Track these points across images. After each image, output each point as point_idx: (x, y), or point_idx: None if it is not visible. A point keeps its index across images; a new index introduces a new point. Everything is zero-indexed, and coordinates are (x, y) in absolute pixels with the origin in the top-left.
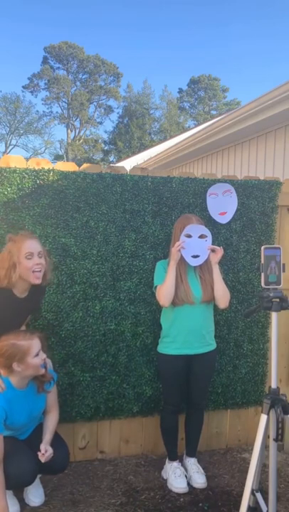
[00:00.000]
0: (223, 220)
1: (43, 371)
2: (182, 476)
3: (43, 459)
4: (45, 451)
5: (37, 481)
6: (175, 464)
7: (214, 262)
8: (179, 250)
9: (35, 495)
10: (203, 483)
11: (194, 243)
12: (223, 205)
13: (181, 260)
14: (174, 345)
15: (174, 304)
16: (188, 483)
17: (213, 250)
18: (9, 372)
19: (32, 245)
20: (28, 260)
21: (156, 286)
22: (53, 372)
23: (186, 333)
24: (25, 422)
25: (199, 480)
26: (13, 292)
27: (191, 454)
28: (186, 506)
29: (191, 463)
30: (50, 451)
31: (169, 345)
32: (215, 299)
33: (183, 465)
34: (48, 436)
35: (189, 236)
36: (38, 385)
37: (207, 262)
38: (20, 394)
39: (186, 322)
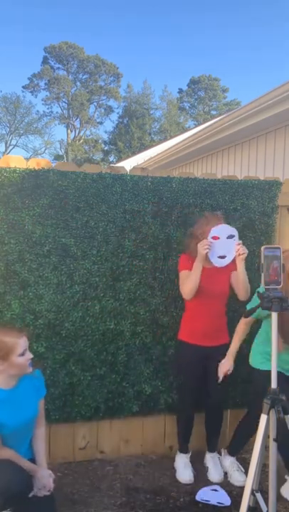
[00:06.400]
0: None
1: (30, 370)
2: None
3: (45, 492)
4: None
5: None
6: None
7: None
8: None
9: None
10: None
11: (222, 244)
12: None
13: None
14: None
15: None
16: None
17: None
18: None
19: None
20: None
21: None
22: (43, 383)
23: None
24: (17, 426)
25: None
26: None
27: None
28: (186, 506)
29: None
30: (48, 477)
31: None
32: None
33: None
34: (42, 459)
35: (217, 238)
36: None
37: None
38: (6, 393)
39: None
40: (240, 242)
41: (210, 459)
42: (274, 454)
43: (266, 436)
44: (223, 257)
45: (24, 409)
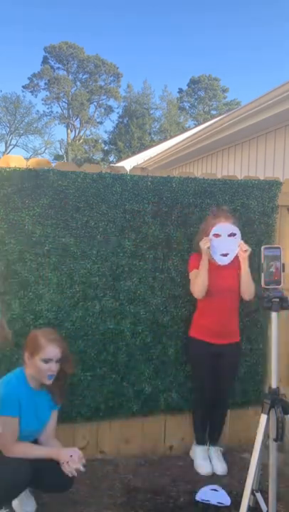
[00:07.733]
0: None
1: (48, 382)
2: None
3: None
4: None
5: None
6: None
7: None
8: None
9: (27, 504)
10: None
11: (223, 242)
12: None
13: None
14: None
15: None
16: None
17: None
18: (25, 360)
19: None
20: None
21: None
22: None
23: None
24: (33, 429)
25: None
26: None
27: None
28: (186, 506)
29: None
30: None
31: None
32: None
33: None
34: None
35: (218, 236)
36: (53, 394)
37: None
38: (31, 393)
39: None
40: (243, 244)
41: (213, 453)
42: (274, 454)
43: (266, 436)
44: (225, 255)
45: (41, 415)
